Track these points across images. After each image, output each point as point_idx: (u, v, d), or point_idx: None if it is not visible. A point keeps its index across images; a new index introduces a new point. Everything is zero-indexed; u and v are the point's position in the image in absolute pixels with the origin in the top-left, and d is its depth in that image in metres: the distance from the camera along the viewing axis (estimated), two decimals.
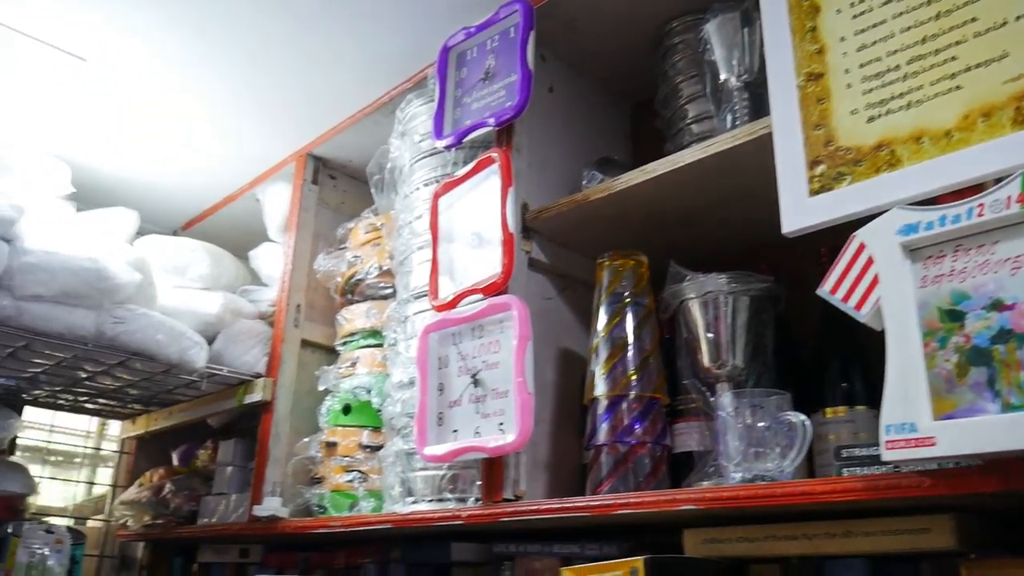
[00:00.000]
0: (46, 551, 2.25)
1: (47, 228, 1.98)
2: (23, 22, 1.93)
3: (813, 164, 1.13)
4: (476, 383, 1.53)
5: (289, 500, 2.08)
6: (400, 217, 1.94)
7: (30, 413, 2.82)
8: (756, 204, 1.49)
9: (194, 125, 2.35)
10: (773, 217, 1.15)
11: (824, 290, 1.05)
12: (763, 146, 1.25)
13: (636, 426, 1.39)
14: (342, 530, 1.83)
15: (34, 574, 2.21)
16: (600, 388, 1.44)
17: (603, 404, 1.43)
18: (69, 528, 2.36)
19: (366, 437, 2.01)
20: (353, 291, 2.19)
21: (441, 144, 1.77)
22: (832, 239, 1.11)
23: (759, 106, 1.44)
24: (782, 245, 1.24)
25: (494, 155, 1.60)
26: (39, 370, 2.21)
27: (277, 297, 2.31)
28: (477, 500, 1.55)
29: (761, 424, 1.22)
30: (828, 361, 1.36)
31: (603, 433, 1.42)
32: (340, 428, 2.04)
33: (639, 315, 1.47)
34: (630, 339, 1.45)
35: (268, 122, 2.32)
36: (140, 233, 2.41)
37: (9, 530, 2.24)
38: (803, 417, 1.18)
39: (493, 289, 1.54)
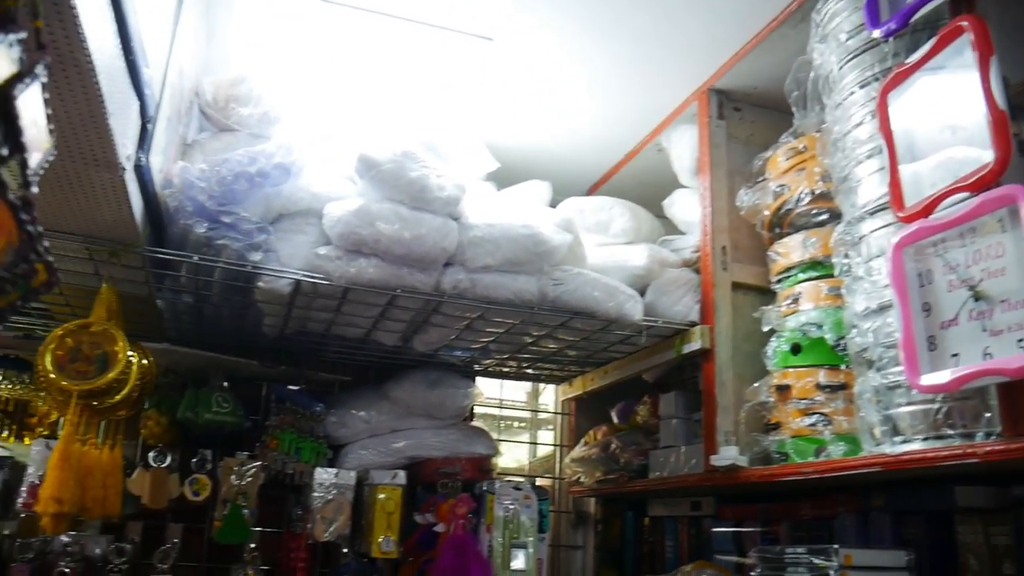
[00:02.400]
0: (517, 506, 2.42)
1: (479, 204, 2.11)
2: (429, 15, 2.06)
3: None
4: (977, 296, 1.29)
5: (744, 448, 1.99)
6: (834, 130, 1.73)
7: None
8: None
9: (589, 88, 2.36)
10: None
11: None
12: None
13: None
14: (815, 476, 1.69)
15: (511, 527, 2.39)
16: None
17: None
18: (533, 485, 2.51)
19: (823, 376, 1.85)
20: (782, 223, 2.03)
21: (878, 33, 1.54)
22: None
23: None
24: None
25: (963, 23, 1.33)
26: (490, 339, 2.38)
27: (700, 242, 2.23)
28: (989, 435, 1.31)
29: None
30: None
31: None
32: (791, 370, 1.90)
33: None
34: None
35: (663, 66, 2.24)
36: (551, 204, 2.47)
37: (484, 488, 2.45)
38: None
39: (983, 183, 1.28)
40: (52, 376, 1.71)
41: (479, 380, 3.00)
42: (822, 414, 1.81)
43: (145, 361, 1.97)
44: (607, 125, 2.59)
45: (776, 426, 1.92)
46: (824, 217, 1.94)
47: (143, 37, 1.37)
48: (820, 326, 1.85)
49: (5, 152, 0.68)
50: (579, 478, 2.84)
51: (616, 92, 2.38)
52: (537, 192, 2.41)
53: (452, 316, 2.15)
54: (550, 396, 3.40)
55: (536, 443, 3.42)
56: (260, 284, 1.94)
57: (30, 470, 2.12)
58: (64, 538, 2.21)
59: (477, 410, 3.17)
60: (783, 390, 1.90)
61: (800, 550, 1.60)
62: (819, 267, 1.92)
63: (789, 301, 1.96)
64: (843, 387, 1.80)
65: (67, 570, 2.16)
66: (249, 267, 1.89)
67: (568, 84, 2.35)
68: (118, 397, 1.81)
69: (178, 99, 1.88)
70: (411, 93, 2.42)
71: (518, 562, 2.35)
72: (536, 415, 3.44)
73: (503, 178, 2.46)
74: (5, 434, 2.38)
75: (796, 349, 1.90)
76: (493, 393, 3.25)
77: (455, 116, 2.53)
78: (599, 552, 2.96)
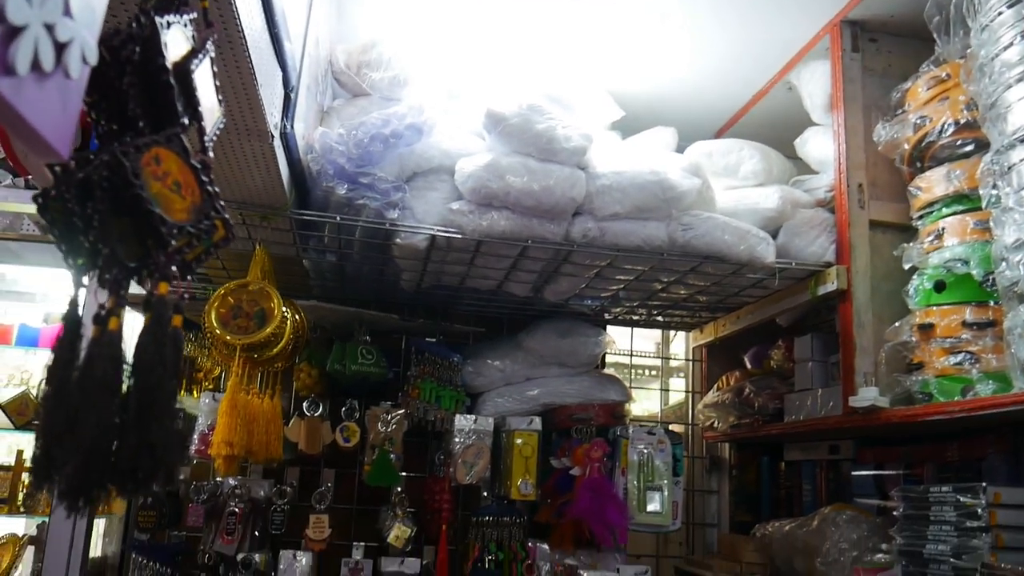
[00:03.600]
0: (651, 450, 2.45)
1: (606, 153, 2.12)
2: None
3: None
4: None
5: (885, 390, 1.94)
6: (979, 55, 1.65)
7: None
8: None
9: (714, 29, 2.30)
10: None
11: None
12: None
13: None
14: (963, 415, 1.64)
15: (645, 471, 2.43)
16: None
17: None
18: (666, 430, 2.54)
19: (970, 314, 1.78)
20: (923, 157, 1.95)
21: None
22: None
23: None
24: None
25: None
26: (619, 287, 2.40)
27: (834, 181, 2.17)
28: None
29: None
30: None
31: None
32: (935, 308, 1.84)
33: None
34: None
35: (791, 0, 2.17)
36: (677, 150, 2.45)
37: (618, 433, 2.50)
38: None
39: None
40: (218, 331, 1.87)
41: (610, 329, 3.03)
42: (969, 352, 1.75)
43: (297, 317, 2.11)
44: (733, 66, 2.52)
45: (919, 366, 1.87)
46: (970, 148, 1.85)
47: (285, 11, 1.45)
48: (966, 262, 1.78)
49: (186, 121, 0.76)
50: (712, 423, 2.85)
51: (742, 31, 2.32)
52: (663, 138, 2.40)
53: (582, 265, 2.19)
54: (680, 346, 3.39)
55: (668, 390, 3.43)
56: (398, 240, 2.04)
57: (200, 420, 2.32)
58: (232, 481, 2.42)
59: (608, 359, 3.21)
60: (926, 329, 1.84)
61: (946, 489, 1.57)
62: (964, 200, 1.84)
63: (932, 237, 1.89)
64: (992, 324, 1.73)
65: (236, 510, 2.36)
66: (387, 224, 1.99)
67: (692, 26, 2.31)
68: (276, 350, 1.96)
69: (315, 68, 1.97)
70: (534, 46, 2.44)
71: (654, 504, 2.39)
72: (667, 363, 3.45)
73: (628, 126, 2.45)
74: None
75: (940, 286, 1.84)
76: (623, 344, 3.27)
77: (578, 66, 2.53)
78: (734, 497, 2.97)
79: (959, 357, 1.76)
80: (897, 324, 1.92)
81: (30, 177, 2.13)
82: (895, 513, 1.73)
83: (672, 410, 3.40)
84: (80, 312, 0.74)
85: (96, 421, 0.67)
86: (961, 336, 1.77)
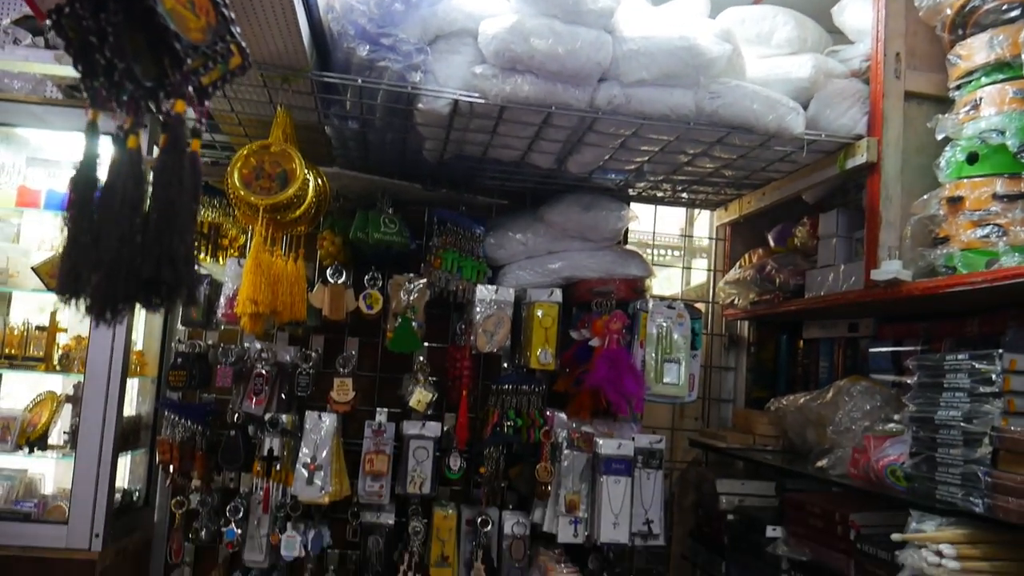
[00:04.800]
0: (670, 324, 2.47)
1: (633, 17, 2.05)
2: None
3: None
4: None
5: (908, 264, 1.93)
6: None
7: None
8: None
9: None
10: None
11: None
12: None
13: None
14: (985, 286, 1.63)
15: (663, 343, 2.46)
16: None
17: None
18: (686, 304, 2.55)
19: (1001, 186, 1.75)
20: (966, 23, 1.88)
21: None
22: None
23: None
24: None
25: None
26: (644, 159, 2.37)
27: (871, 50, 2.09)
28: None
29: None
30: None
31: None
32: (966, 180, 1.81)
33: None
34: None
35: None
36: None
37: (638, 306, 2.51)
38: None
39: None
40: (241, 192, 1.88)
41: (634, 207, 3.00)
42: (997, 225, 1.72)
43: (320, 181, 2.11)
44: None
45: (944, 240, 1.85)
46: (1016, 13, 1.78)
47: None
48: (1002, 132, 1.73)
49: None
50: (733, 300, 2.86)
51: None
52: (695, 6, 2.30)
53: (606, 134, 2.15)
54: (703, 230, 3.37)
55: (690, 268, 3.44)
56: (420, 106, 2.01)
57: (227, 284, 2.36)
58: (258, 345, 2.48)
59: (631, 240, 3.20)
60: (955, 202, 1.81)
61: (962, 356, 1.57)
62: (1006, 69, 1.78)
63: (968, 107, 1.83)
64: (1022, 196, 1.70)
65: (263, 372, 2.43)
66: (409, 88, 1.95)
67: None
68: (298, 212, 1.97)
69: None
70: None
71: (670, 376, 2.43)
72: (690, 241, 3.44)
73: None
74: (202, 255, 2.65)
75: (973, 158, 1.80)
76: (647, 224, 3.25)
77: None
78: (751, 374, 3.01)
79: (986, 230, 1.74)
80: (925, 197, 1.89)
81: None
82: (909, 382, 1.75)
83: (694, 291, 3.42)
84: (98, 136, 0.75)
85: (119, 235, 0.68)
86: (990, 208, 1.74)
